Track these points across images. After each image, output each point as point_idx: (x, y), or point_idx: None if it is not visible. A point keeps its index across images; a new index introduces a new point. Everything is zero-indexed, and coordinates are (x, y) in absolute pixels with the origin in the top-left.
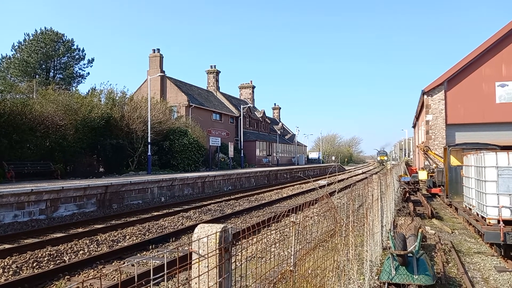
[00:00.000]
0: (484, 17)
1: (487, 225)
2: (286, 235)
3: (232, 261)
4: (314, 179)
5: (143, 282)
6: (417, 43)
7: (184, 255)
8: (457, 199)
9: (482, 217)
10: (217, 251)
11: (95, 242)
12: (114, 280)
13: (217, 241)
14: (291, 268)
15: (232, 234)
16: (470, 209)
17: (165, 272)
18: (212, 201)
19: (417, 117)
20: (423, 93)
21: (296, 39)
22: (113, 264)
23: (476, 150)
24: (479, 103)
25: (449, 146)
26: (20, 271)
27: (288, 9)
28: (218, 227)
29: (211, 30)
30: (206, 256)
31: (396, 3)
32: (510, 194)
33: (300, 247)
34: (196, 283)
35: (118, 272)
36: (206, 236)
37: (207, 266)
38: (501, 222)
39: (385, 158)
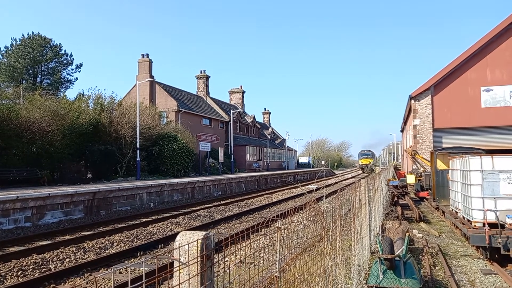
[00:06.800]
0: (468, 24)
1: (473, 228)
2: (275, 240)
3: (221, 267)
4: (303, 183)
5: None
6: (408, 49)
7: (169, 263)
8: (444, 203)
9: (468, 220)
10: (199, 259)
11: (82, 250)
12: (102, 287)
13: (199, 249)
14: (276, 274)
15: (218, 240)
16: (456, 212)
17: (144, 281)
18: (202, 207)
19: (405, 122)
20: (411, 98)
21: (285, 45)
22: (100, 271)
23: (461, 154)
24: (465, 107)
25: (436, 150)
26: (4, 280)
27: (279, 16)
28: (200, 234)
29: (201, 35)
30: (187, 263)
31: (379, 16)
32: (495, 198)
33: (287, 252)
34: None
35: (94, 282)
36: (187, 244)
37: (188, 274)
38: (486, 225)
39: (372, 161)
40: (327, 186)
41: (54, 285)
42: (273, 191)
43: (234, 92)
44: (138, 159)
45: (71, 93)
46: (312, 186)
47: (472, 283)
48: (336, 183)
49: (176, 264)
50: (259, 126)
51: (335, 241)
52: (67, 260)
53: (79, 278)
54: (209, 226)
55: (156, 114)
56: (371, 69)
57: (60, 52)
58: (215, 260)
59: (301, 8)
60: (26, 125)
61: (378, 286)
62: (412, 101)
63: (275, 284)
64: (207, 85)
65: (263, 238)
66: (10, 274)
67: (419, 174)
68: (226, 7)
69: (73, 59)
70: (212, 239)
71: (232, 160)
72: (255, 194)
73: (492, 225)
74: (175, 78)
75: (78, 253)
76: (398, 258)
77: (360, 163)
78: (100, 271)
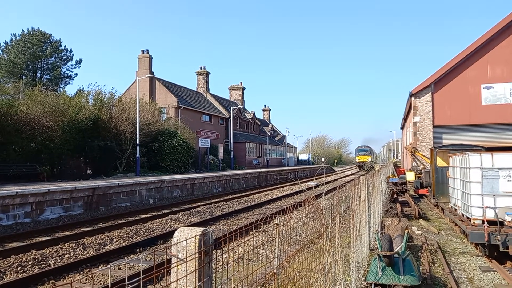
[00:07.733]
0: (469, 23)
1: (472, 225)
2: (274, 236)
3: (219, 264)
4: (303, 180)
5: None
6: (408, 47)
7: (167, 259)
8: (443, 200)
9: (467, 217)
10: (197, 255)
11: (81, 246)
12: (101, 283)
13: (197, 245)
14: (274, 271)
15: (217, 237)
16: (455, 209)
17: (141, 277)
18: (201, 203)
19: (405, 119)
20: (411, 95)
21: (285, 42)
22: (99, 267)
23: (461, 151)
24: (465, 105)
25: (436, 147)
26: (4, 276)
27: (280, 13)
28: (198, 230)
29: (201, 33)
30: (185, 260)
31: (379, 13)
32: (494, 195)
33: (286, 249)
34: None
35: (91, 278)
36: (185, 240)
37: (186, 270)
38: (485, 223)
39: (370, 158)
40: (326, 183)
41: (53, 281)
42: (272, 187)
43: (234, 89)
44: (137, 155)
45: (70, 89)
46: (312, 183)
47: (470, 280)
48: (335, 180)
49: (174, 260)
50: (259, 123)
51: (334, 238)
52: (67, 256)
53: (78, 274)
54: (209, 222)
55: (155, 110)
56: (372, 66)
57: (60, 48)
58: (214, 257)
59: (301, 5)
60: (26, 121)
61: (377, 283)
62: (413, 98)
63: (274, 281)
64: (207, 82)
65: (262, 234)
66: (9, 269)
67: (418, 171)
68: (226, 4)
69: (73, 54)
70: (210, 235)
71: (231, 156)
72: (254, 190)
73: (491, 223)
74: (175, 75)
75: (78, 249)
76: (397, 255)
77: (357, 160)
78: (100, 267)
